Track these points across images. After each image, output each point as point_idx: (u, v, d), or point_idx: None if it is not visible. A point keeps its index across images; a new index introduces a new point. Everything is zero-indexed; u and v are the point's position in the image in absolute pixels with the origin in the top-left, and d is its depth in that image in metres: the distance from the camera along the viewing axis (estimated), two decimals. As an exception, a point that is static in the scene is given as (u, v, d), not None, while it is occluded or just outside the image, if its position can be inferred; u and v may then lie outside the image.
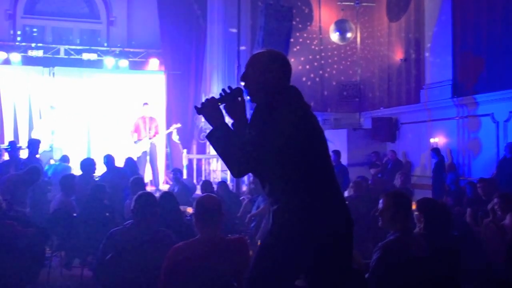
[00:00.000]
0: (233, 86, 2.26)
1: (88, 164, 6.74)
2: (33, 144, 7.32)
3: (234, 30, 10.63)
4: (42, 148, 8.05)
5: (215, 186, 6.96)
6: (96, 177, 6.95)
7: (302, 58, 11.58)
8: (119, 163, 7.44)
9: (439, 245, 3.21)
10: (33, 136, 8.69)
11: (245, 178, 8.36)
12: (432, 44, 9.52)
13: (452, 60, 8.99)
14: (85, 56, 11.29)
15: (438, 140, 9.24)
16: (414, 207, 3.69)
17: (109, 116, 10.96)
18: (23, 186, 5.71)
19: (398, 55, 10.97)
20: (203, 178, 9.67)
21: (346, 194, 6.60)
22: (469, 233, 4.91)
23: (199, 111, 2.23)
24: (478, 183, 6.17)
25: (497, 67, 8.07)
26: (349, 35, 10.84)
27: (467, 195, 6.76)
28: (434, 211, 3.49)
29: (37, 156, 7.53)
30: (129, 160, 7.67)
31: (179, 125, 9.98)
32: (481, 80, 8.43)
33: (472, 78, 8.66)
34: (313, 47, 11.72)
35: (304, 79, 11.61)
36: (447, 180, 8.14)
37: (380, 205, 3.06)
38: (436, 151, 8.62)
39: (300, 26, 11.40)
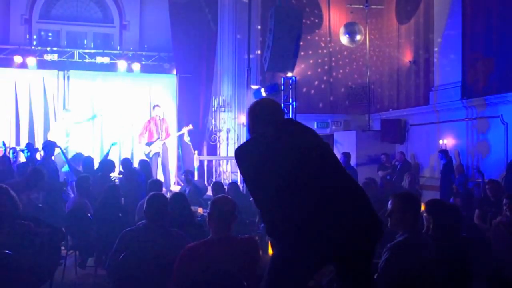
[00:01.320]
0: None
1: (107, 165, 6.91)
2: (49, 146, 7.42)
3: (239, 37, 10.79)
4: (57, 150, 8.19)
5: (225, 187, 7.03)
6: (114, 178, 7.15)
7: (311, 61, 11.64)
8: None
9: (447, 247, 3.21)
10: (49, 138, 8.83)
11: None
12: (442, 45, 9.49)
13: (461, 61, 8.94)
14: (99, 59, 11.45)
15: (447, 141, 9.21)
16: (422, 208, 3.72)
17: (122, 118, 11.11)
18: (25, 190, 5.41)
19: (407, 57, 10.97)
20: (214, 179, 9.76)
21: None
22: (477, 234, 4.93)
23: None
24: (487, 184, 6.17)
25: (507, 68, 8.02)
26: (358, 37, 10.86)
27: (475, 196, 6.76)
28: (443, 212, 3.48)
29: (52, 158, 7.65)
30: (143, 162, 7.80)
31: (190, 126, 10.07)
32: (491, 82, 8.38)
33: (482, 79, 8.62)
34: (322, 49, 11.77)
35: (316, 82, 11.68)
36: (456, 181, 8.12)
37: (389, 206, 3.06)
38: (444, 152, 8.60)
39: (309, 29, 11.46)
